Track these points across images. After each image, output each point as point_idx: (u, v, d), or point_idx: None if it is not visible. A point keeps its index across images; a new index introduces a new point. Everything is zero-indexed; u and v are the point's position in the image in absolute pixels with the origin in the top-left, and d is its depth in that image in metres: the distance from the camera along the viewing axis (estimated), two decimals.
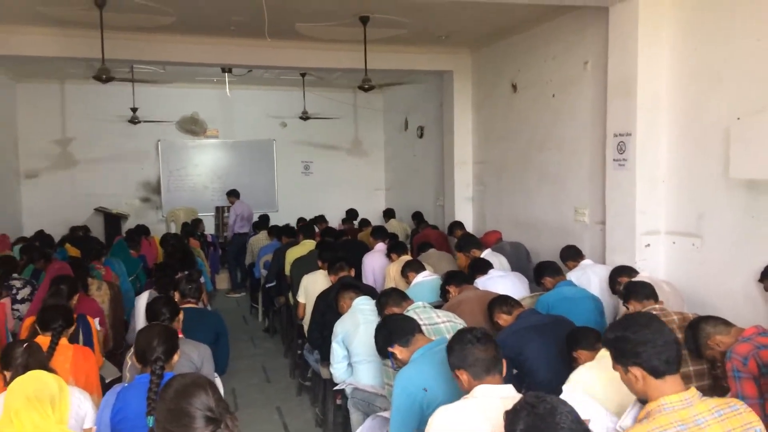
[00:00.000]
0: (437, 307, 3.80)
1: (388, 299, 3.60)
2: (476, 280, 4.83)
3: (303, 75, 9.59)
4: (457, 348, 2.32)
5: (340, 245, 6.78)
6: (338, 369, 3.72)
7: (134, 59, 7.18)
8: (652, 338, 2.08)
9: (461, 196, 8.22)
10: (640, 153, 4.86)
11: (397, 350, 2.82)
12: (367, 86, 6.39)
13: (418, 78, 9.54)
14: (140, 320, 4.19)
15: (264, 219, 9.38)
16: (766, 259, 3.79)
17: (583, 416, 2.12)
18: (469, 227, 7.92)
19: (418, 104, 10.09)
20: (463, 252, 5.70)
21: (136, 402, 2.46)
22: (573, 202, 6.04)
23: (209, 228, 10.65)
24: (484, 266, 4.96)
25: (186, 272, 4.57)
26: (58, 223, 9.54)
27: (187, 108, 10.65)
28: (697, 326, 2.93)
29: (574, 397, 2.29)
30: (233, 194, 9.69)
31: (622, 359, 2.13)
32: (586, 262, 5.07)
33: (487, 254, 5.56)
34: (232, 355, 6.49)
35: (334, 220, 10.51)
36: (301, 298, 5.18)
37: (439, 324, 3.33)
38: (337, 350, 3.71)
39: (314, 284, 5.05)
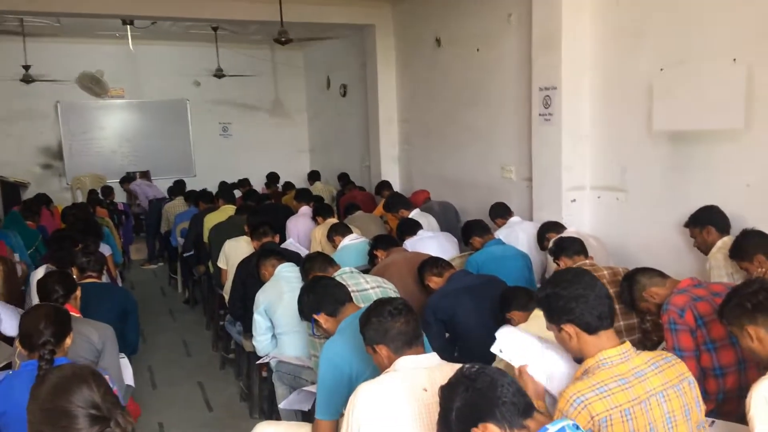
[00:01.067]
0: (365, 271, 3.60)
1: (313, 264, 3.37)
2: (405, 242, 4.68)
3: (215, 29, 8.96)
4: (375, 321, 2.14)
5: (263, 209, 6.45)
6: (261, 342, 3.48)
7: (21, 10, 6.43)
8: (584, 294, 1.98)
9: (387, 156, 8.02)
10: (566, 107, 4.79)
11: (323, 319, 2.61)
12: (284, 39, 6.00)
13: (339, 33, 9.16)
14: (35, 299, 3.76)
15: (179, 184, 8.85)
16: (689, 210, 3.82)
17: (521, 360, 2.03)
18: (396, 187, 7.76)
19: (340, 62, 9.71)
20: (391, 212, 5.53)
21: (20, 393, 2.12)
22: (500, 160, 5.97)
23: (120, 196, 9.98)
24: (413, 227, 4.81)
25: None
26: None
27: (89, 66, 9.77)
28: (633, 278, 2.89)
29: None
30: (126, 180, 9.24)
31: (554, 317, 2.03)
32: (514, 219, 5.02)
33: (415, 214, 5.42)
34: (150, 330, 6.15)
35: (257, 185, 10.06)
36: (221, 264, 4.86)
37: (368, 290, 3.14)
38: (259, 321, 3.46)
39: (236, 251, 4.73)
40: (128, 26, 8.14)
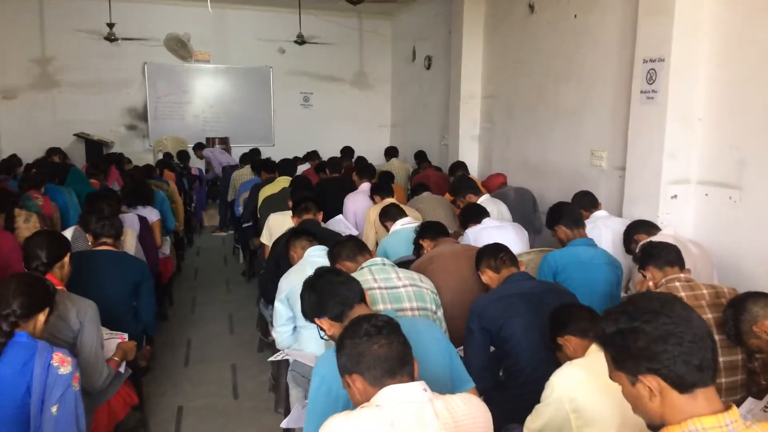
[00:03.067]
0: (405, 264, 3.07)
1: (341, 250, 2.87)
2: (467, 230, 4.10)
3: None
4: (348, 344, 1.62)
5: (324, 184, 6.05)
6: (281, 333, 3.05)
7: None
8: (677, 332, 1.32)
9: (467, 135, 7.37)
10: (674, 84, 3.97)
11: (326, 324, 2.11)
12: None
13: None
14: None
15: (252, 153, 8.65)
16: None
17: None
18: (474, 170, 7.12)
19: (427, 31, 9.08)
20: (457, 196, 4.94)
21: None
22: (590, 144, 5.19)
23: (198, 161, 9.97)
24: (478, 213, 4.19)
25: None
26: (37, 148, 8.92)
27: (174, 29, 9.74)
28: (742, 305, 2.19)
29: None
30: (196, 147, 9.12)
31: (629, 364, 1.37)
32: (599, 213, 4.28)
33: (484, 200, 4.79)
34: (201, 300, 5.96)
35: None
36: (264, 239, 4.50)
37: (399, 288, 2.59)
38: (280, 311, 3.02)
39: (280, 226, 4.34)
40: None
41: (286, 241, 3.32)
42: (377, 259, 2.72)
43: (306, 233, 3.26)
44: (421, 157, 8.43)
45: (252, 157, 8.14)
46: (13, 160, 7.90)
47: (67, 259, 2.57)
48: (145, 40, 9.27)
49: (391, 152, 9.18)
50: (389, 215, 4.13)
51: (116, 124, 9.89)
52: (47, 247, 2.54)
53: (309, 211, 3.87)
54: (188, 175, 8.44)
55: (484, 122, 7.19)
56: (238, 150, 9.81)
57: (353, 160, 8.82)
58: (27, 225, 4.13)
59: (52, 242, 2.59)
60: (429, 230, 3.47)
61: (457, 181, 5.06)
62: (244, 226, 6.27)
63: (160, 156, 9.58)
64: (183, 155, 8.91)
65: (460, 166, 6.69)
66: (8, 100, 9.28)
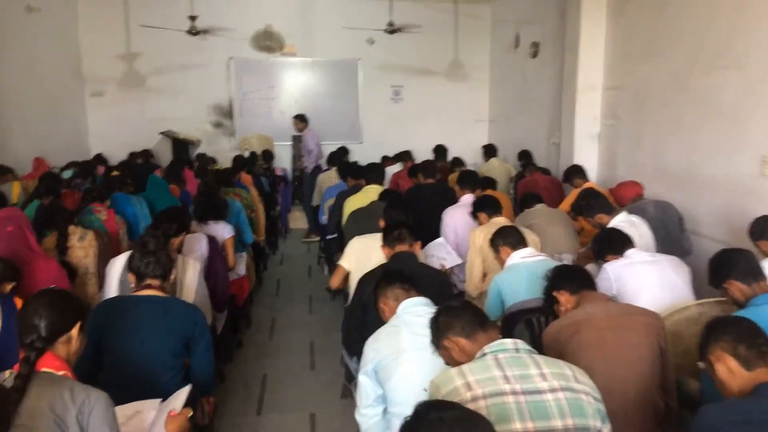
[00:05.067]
0: (530, 313, 2.20)
1: (454, 322, 1.94)
2: (606, 265, 3.17)
3: None
4: None
5: (417, 192, 5.25)
6: (367, 417, 2.28)
7: None
8: None
9: (584, 133, 6.31)
10: None
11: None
12: None
13: None
14: (111, 289, 2.97)
15: (340, 152, 8.00)
16: None
17: None
18: (593, 175, 6.08)
19: (534, 14, 8.03)
20: (585, 217, 4.00)
21: None
22: (759, 148, 4.07)
23: (284, 160, 9.47)
24: (620, 243, 3.26)
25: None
26: (123, 146, 8.74)
27: (259, 19, 9.27)
28: None
29: None
30: (301, 119, 8.36)
31: None
32: None
33: (621, 222, 3.82)
34: (281, 322, 5.31)
35: (426, 157, 8.91)
36: (344, 263, 3.74)
37: (545, 394, 1.69)
38: (365, 387, 2.27)
39: (367, 253, 3.58)
40: None
41: (375, 287, 2.54)
42: (507, 342, 1.83)
43: (400, 278, 2.47)
44: (526, 157, 7.48)
45: (339, 158, 7.50)
46: (95, 161, 7.64)
47: (76, 331, 1.87)
48: (229, 33, 8.79)
49: (490, 151, 8.28)
50: (507, 239, 3.26)
51: (202, 121, 9.54)
52: (48, 315, 1.82)
53: (403, 241, 3.08)
54: (272, 176, 7.90)
55: (607, 118, 6.12)
56: (326, 148, 9.23)
57: (449, 161, 8.00)
58: (81, 244, 3.62)
59: (56, 306, 1.86)
60: (568, 278, 2.53)
61: (583, 198, 4.08)
62: (328, 237, 5.60)
63: (246, 154, 9.17)
64: (267, 155, 8.39)
65: (578, 172, 5.68)
66: (97, 97, 9.14)
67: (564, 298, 2.47)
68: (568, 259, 4.20)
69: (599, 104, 6.21)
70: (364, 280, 2.99)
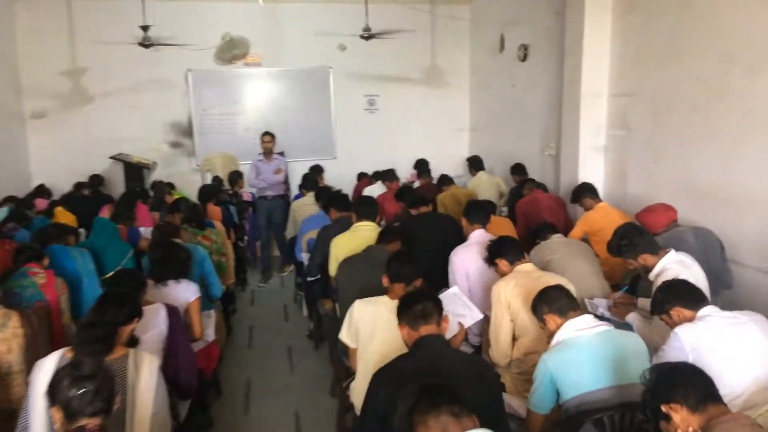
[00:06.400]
0: None
1: None
2: (676, 330, 2.49)
3: None
4: None
5: (416, 225, 4.50)
6: None
7: None
8: None
9: (589, 145, 5.66)
10: None
11: None
12: None
13: None
14: (36, 420, 2.14)
15: (313, 173, 7.21)
16: None
17: None
18: (600, 192, 5.39)
19: (520, 14, 7.37)
20: (626, 257, 3.31)
21: None
22: None
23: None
24: (693, 297, 2.58)
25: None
26: (69, 173, 7.79)
27: (219, 28, 8.41)
28: None
29: None
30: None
31: None
32: None
33: (671, 263, 3.15)
34: (258, 385, 4.31)
35: (405, 171, 8.20)
36: (348, 339, 2.99)
37: None
38: None
39: (372, 323, 2.83)
40: None
41: (410, 411, 1.77)
42: None
43: (447, 398, 1.70)
44: (521, 172, 6.79)
45: (314, 180, 6.68)
46: (36, 193, 6.68)
47: None
48: (187, 45, 7.90)
49: (476, 164, 7.55)
50: (551, 308, 2.52)
51: (159, 141, 8.60)
52: None
53: (430, 320, 2.30)
54: (239, 203, 7.05)
55: (615, 128, 5.48)
56: (295, 166, 8.43)
57: (437, 178, 7.26)
58: (2, 334, 2.76)
59: None
60: (683, 385, 1.79)
61: (623, 237, 3.34)
62: (309, 280, 4.80)
63: (208, 177, 8.28)
64: (234, 177, 7.50)
65: (587, 191, 5.03)
66: (37, 119, 8.14)
67: (680, 416, 1.74)
68: (602, 307, 3.52)
69: (605, 113, 5.58)
70: (380, 374, 2.22)
